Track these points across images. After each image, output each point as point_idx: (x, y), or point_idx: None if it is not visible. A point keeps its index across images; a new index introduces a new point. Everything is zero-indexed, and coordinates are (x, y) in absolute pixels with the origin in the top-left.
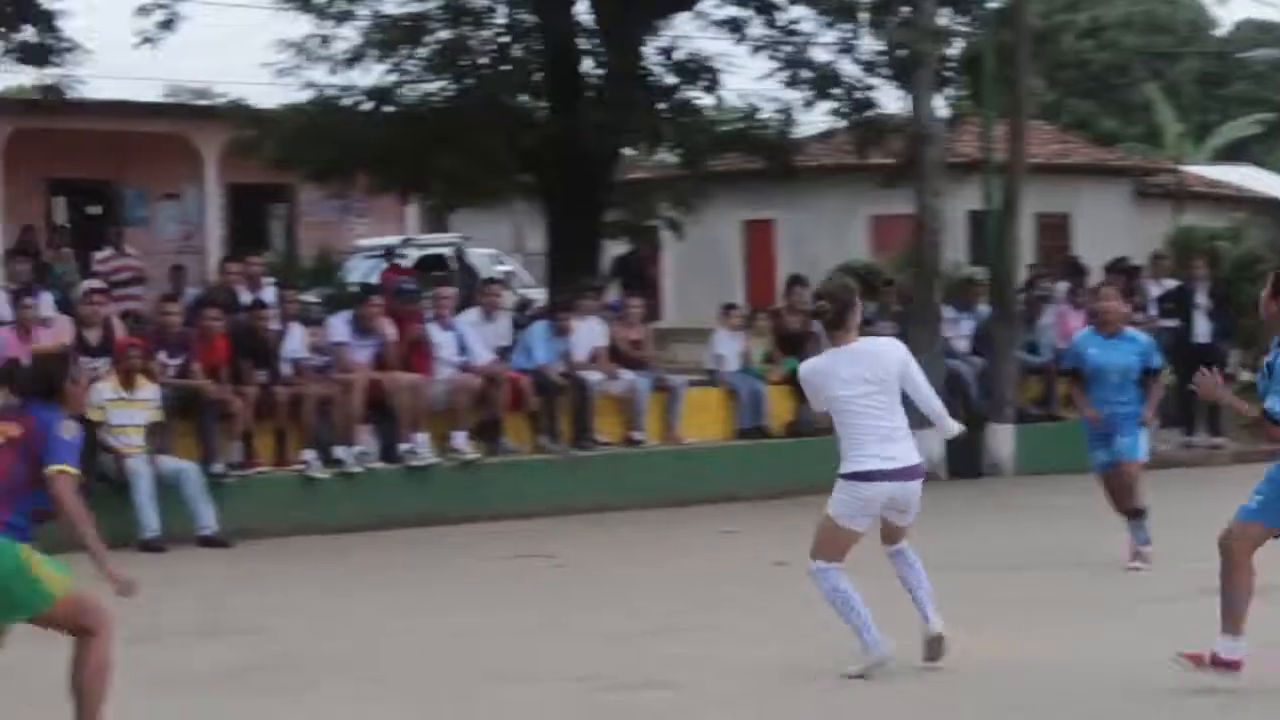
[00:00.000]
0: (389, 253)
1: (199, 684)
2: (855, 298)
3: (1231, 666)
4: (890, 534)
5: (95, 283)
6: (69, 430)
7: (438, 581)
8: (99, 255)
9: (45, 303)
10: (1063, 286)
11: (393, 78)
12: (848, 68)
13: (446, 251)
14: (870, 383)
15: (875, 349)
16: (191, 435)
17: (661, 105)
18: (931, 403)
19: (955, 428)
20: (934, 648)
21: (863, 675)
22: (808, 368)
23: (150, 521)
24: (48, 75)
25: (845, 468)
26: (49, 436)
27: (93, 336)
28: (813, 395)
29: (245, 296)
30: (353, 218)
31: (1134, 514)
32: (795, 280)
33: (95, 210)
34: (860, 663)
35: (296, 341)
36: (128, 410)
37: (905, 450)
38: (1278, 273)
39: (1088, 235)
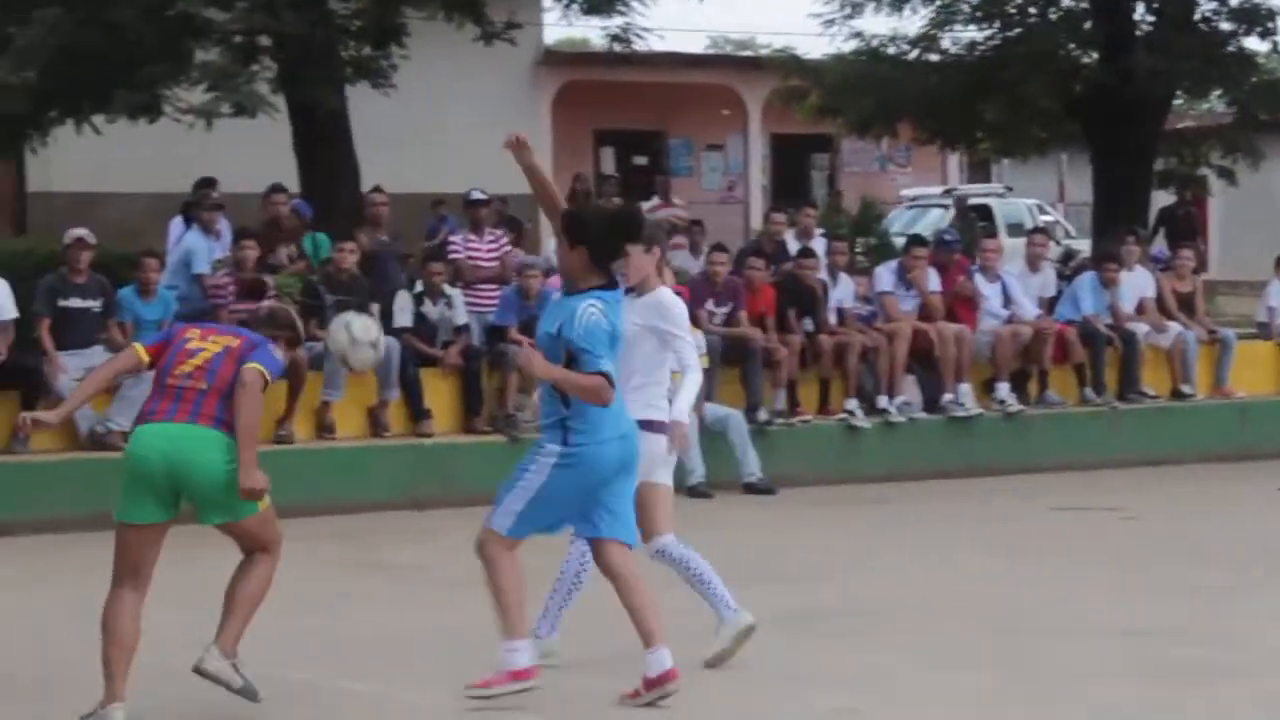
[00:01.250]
0: None
1: (767, 628)
2: None
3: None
4: None
5: None
6: (279, 353)
7: (981, 533)
8: (646, 205)
9: None
10: None
11: (938, 24)
12: None
13: (948, 202)
14: None
15: None
16: (737, 383)
17: (1216, 52)
18: None
19: None
20: None
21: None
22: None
23: (696, 467)
24: (613, 25)
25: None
26: (259, 347)
27: None
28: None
29: (793, 246)
30: (894, 168)
31: None
32: None
33: (641, 161)
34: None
35: (844, 291)
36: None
37: None
38: (565, 213)
39: None
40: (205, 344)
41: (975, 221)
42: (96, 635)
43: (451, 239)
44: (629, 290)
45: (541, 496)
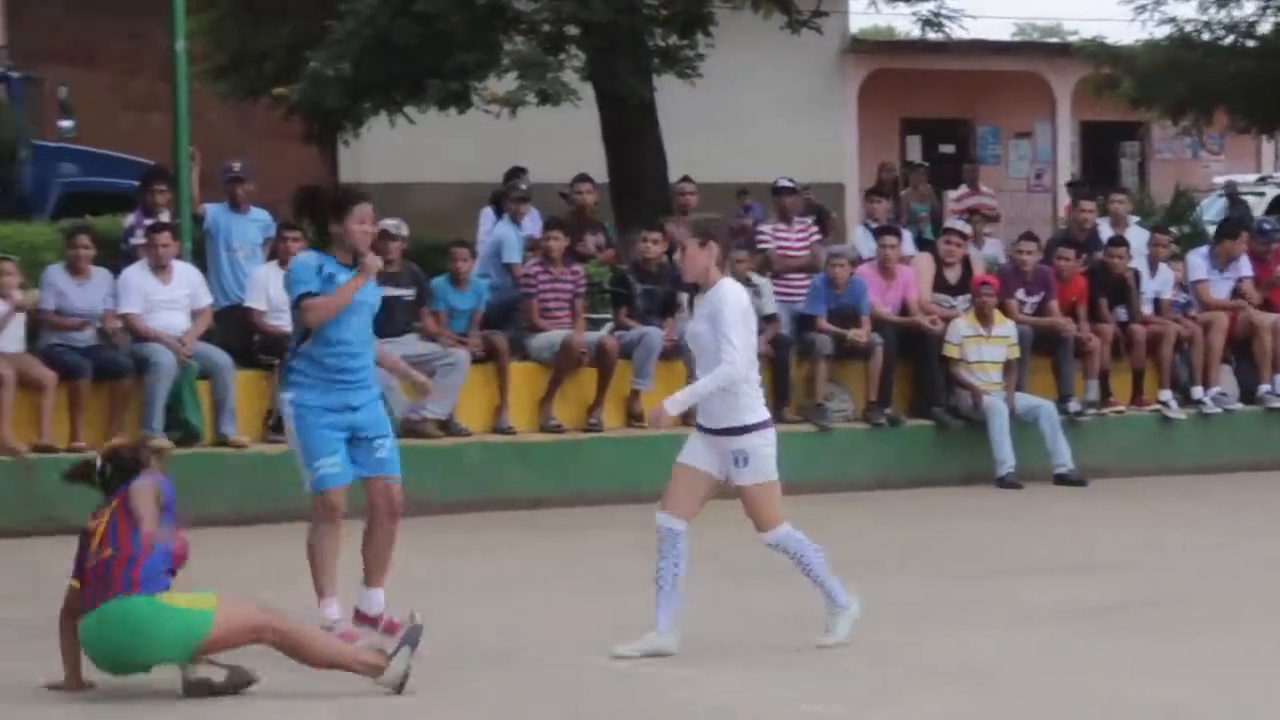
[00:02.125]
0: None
1: (1074, 620)
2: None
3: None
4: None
5: (956, 222)
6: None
7: None
8: (953, 194)
9: (905, 241)
10: None
11: (1257, 12)
12: None
13: (1264, 190)
14: None
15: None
16: (1048, 373)
17: None
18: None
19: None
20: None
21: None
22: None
23: (1007, 458)
24: (923, 9)
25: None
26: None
27: (951, 275)
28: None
29: (1106, 233)
30: (1207, 155)
31: None
32: None
33: (948, 149)
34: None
35: (1163, 282)
36: (985, 347)
37: None
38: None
39: None
40: (100, 520)
41: (1249, 211)
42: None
43: (760, 228)
44: (693, 288)
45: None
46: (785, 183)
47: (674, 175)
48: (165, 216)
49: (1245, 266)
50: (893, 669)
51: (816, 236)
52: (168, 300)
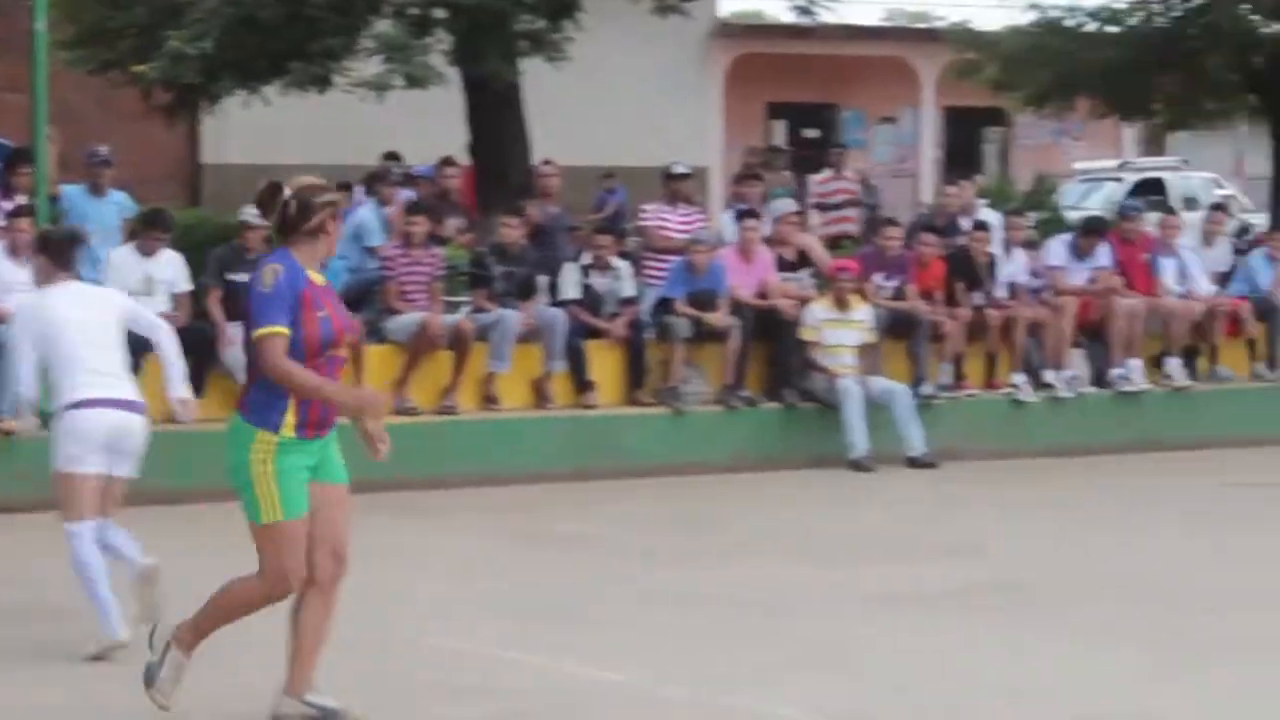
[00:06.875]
0: None
1: (924, 602)
2: None
3: None
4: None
5: (790, 206)
6: (266, 278)
7: (1146, 507)
8: (818, 177)
9: (765, 224)
10: None
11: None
12: None
13: (1122, 176)
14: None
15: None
16: (902, 357)
17: None
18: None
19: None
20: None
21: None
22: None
23: (860, 442)
24: None
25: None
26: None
27: (788, 253)
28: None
29: (965, 222)
30: (1068, 141)
31: None
32: None
33: (812, 134)
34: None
35: (1016, 266)
36: (841, 331)
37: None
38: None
39: None
40: None
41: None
42: None
43: (644, 206)
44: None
45: None
46: (680, 169)
47: (540, 158)
48: (24, 199)
49: (1105, 256)
50: (750, 652)
51: (700, 225)
52: (24, 283)
